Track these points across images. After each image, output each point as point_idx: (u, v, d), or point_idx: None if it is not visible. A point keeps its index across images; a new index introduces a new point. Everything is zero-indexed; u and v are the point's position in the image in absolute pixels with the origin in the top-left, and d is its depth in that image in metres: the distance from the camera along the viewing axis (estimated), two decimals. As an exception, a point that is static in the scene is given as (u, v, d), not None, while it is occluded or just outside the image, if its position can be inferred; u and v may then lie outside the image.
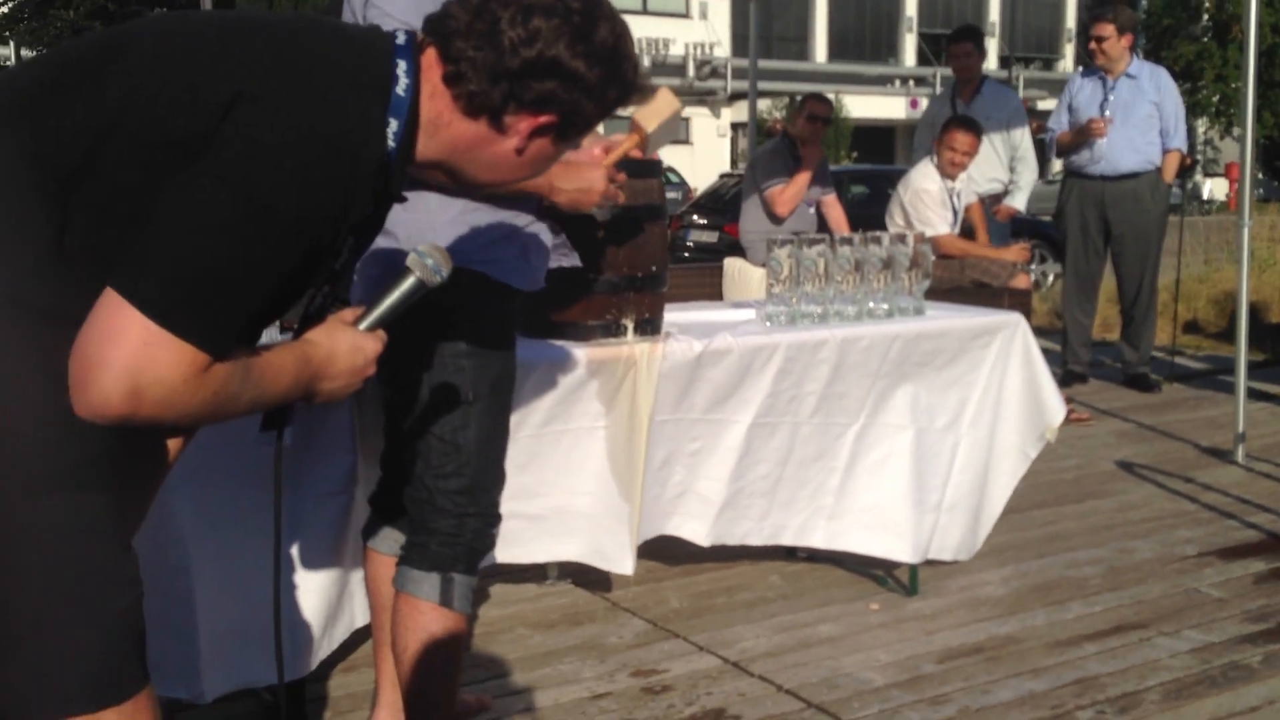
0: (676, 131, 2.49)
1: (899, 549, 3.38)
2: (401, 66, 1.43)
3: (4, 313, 1.30)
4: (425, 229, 2.11)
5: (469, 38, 1.44)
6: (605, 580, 3.49)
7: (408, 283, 1.55)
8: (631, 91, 1.55)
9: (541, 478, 2.89)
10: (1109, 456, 5.13)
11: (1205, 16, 31.72)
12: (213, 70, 1.34)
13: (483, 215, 2.19)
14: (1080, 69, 6.62)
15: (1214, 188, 30.27)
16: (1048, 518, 4.27)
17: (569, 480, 2.95)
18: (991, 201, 6.28)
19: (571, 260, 2.56)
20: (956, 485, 3.48)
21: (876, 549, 3.40)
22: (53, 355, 1.29)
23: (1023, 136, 6.42)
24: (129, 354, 1.25)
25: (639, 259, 2.86)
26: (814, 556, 3.70)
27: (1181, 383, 6.70)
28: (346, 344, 1.50)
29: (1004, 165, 6.36)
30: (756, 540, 3.31)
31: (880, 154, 30.56)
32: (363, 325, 1.53)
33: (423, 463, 2.18)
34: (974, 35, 6.60)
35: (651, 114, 2.35)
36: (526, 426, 2.79)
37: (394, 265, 1.68)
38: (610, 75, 1.50)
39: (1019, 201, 6.47)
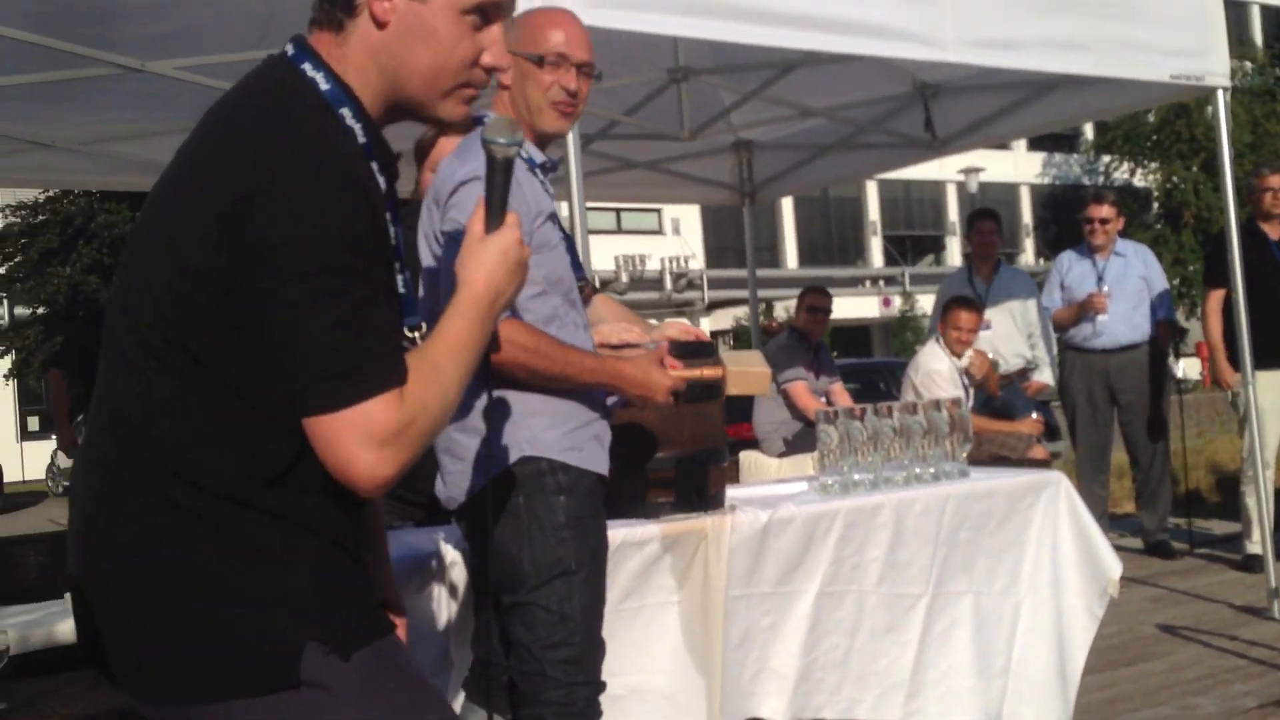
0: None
1: None
2: (307, 68, 1.49)
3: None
4: (508, 424, 2.26)
5: None
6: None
7: (498, 168, 1.57)
8: None
9: (619, 654, 2.88)
10: (1149, 621, 5.11)
11: (1155, 205, 33.11)
12: (200, 205, 1.40)
13: (560, 408, 2.31)
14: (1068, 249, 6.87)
15: (1186, 367, 30.87)
16: (1103, 682, 4.22)
17: (644, 658, 2.93)
18: (1018, 377, 6.38)
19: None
20: (1023, 647, 3.47)
21: (947, 721, 3.36)
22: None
23: (1037, 314, 6.58)
24: (354, 442, 1.37)
25: (703, 434, 2.95)
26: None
27: (1202, 548, 6.72)
28: (493, 255, 1.53)
29: (1025, 342, 6.50)
30: (832, 714, 3.26)
31: (859, 352, 31.09)
32: (492, 228, 1.56)
33: (530, 635, 2.20)
34: (995, 216, 6.79)
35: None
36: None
37: None
38: None
39: (1047, 376, 6.59)
